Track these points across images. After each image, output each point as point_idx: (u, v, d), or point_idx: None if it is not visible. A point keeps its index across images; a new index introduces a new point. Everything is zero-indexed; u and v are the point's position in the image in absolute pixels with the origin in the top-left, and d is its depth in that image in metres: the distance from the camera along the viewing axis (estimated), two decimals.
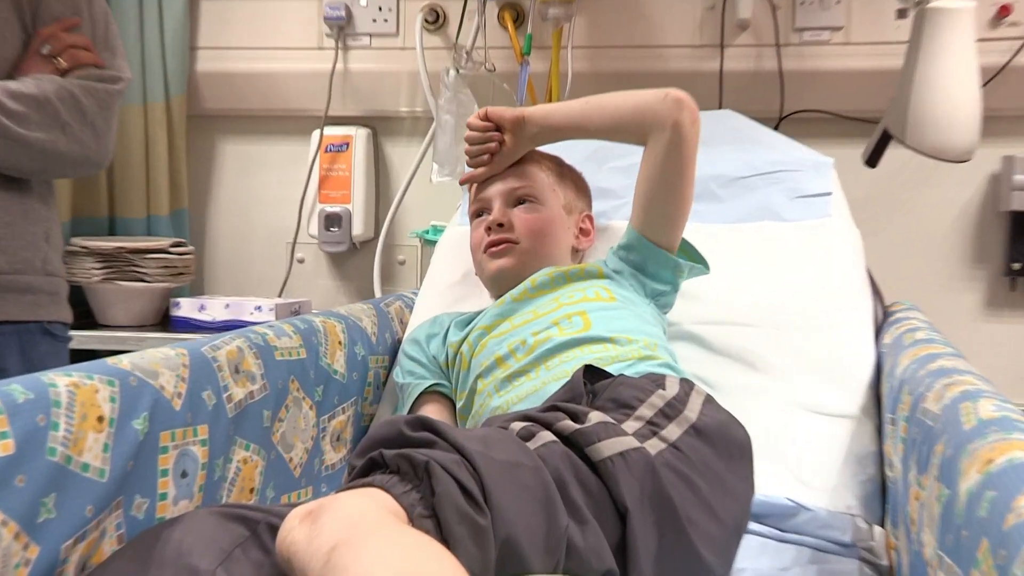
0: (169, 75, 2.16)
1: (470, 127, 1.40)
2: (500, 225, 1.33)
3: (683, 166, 1.26)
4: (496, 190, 1.37)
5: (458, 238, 1.61)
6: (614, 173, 1.60)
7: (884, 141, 1.72)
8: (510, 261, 1.33)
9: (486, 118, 1.38)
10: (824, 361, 1.32)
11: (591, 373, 1.05)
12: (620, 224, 1.49)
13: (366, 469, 0.80)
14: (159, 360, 0.96)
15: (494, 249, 1.33)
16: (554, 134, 1.37)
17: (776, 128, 1.88)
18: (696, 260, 1.33)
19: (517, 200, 1.36)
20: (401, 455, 0.78)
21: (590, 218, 1.43)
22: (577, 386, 1.01)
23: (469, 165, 1.41)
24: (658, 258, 1.30)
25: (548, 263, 1.34)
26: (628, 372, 1.09)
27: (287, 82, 2.20)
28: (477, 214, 1.40)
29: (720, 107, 1.94)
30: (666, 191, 1.27)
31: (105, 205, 2.17)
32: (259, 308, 1.90)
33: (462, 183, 1.43)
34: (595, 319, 1.21)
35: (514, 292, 1.30)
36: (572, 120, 1.34)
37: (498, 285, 1.36)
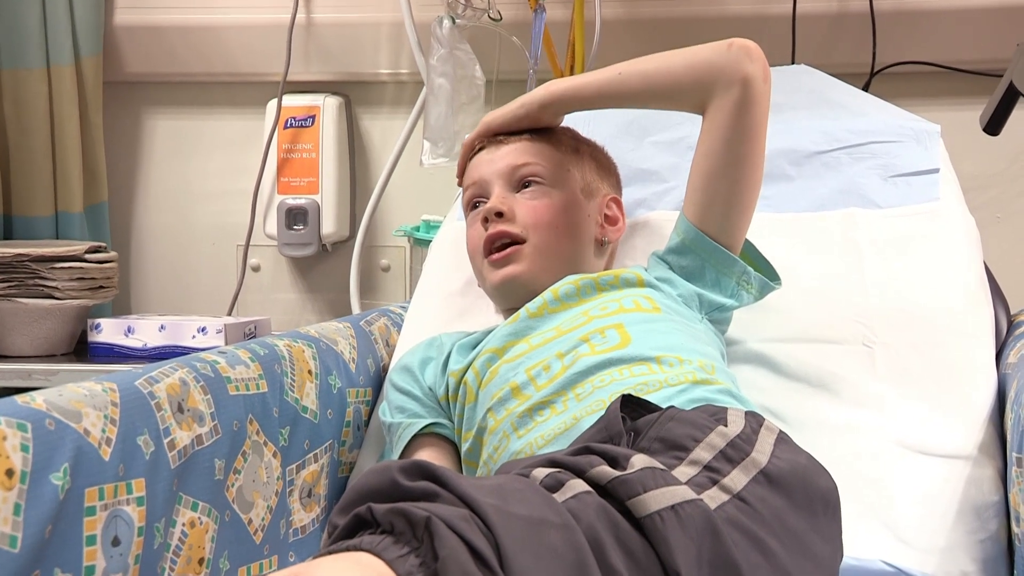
0: (78, 30, 2.18)
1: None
2: (499, 215, 1.36)
3: (754, 133, 1.29)
4: (493, 170, 1.40)
5: (457, 236, 1.63)
6: (657, 150, 1.62)
7: (1010, 100, 1.72)
8: (519, 268, 1.35)
9: (483, 136, 1.42)
10: (931, 387, 1.34)
11: (631, 405, 1.07)
12: (665, 216, 1.51)
13: (351, 528, 0.82)
14: (82, 397, 0.98)
15: (497, 256, 1.36)
16: (583, 104, 1.41)
17: (866, 88, 1.90)
18: (763, 270, 1.36)
19: (521, 182, 1.39)
20: (396, 510, 0.79)
21: (617, 202, 1.46)
22: (614, 422, 1.03)
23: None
24: (720, 261, 1.32)
25: (568, 263, 1.36)
26: (679, 401, 1.11)
27: (233, 38, 2.23)
28: (472, 204, 1.43)
29: (793, 62, 1.96)
30: (732, 168, 1.30)
31: None
32: (203, 330, 1.92)
33: (460, 183, 1.47)
34: (635, 333, 1.23)
35: (530, 306, 1.32)
36: (607, 89, 1.37)
37: (507, 298, 1.39)
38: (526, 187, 1.38)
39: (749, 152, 1.29)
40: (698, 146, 1.33)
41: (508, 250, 1.35)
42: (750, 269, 1.33)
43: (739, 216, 1.33)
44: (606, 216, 1.43)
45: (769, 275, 1.36)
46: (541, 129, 1.43)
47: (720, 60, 1.29)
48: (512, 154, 1.40)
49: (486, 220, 1.37)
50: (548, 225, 1.36)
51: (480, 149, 1.43)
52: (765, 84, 1.28)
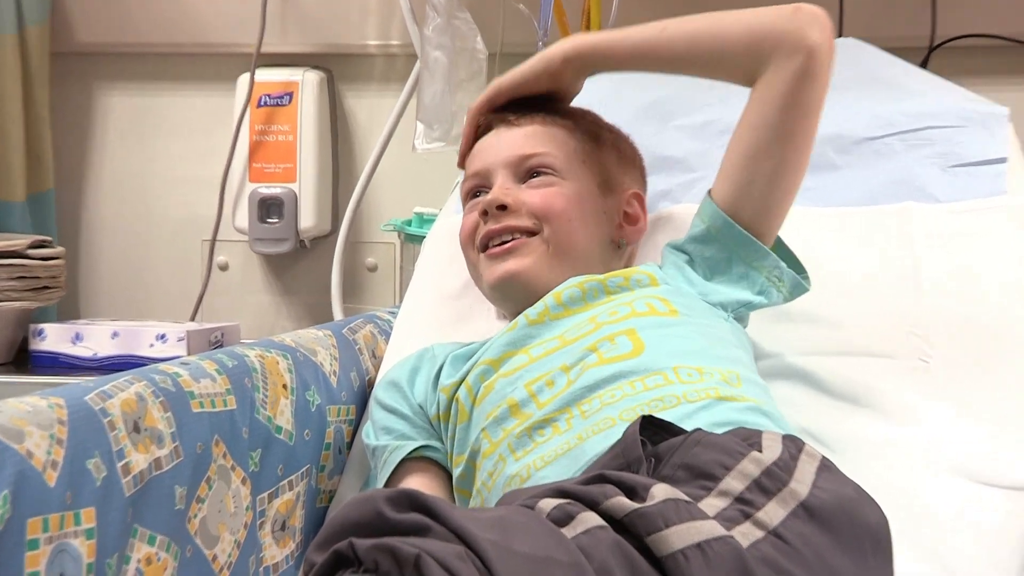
0: None
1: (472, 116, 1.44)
2: (502, 208, 1.36)
3: (813, 108, 1.31)
4: (498, 157, 1.40)
5: (455, 231, 1.63)
6: (683, 135, 1.63)
7: None
8: (521, 264, 1.35)
9: (493, 102, 1.42)
10: (996, 410, 1.34)
11: (652, 427, 1.07)
12: (691, 210, 1.51)
13: (331, 566, 0.82)
14: (24, 415, 0.98)
15: (496, 249, 1.36)
16: (613, 63, 1.41)
17: (924, 64, 1.90)
18: (792, 266, 1.36)
19: (529, 172, 1.39)
20: (381, 546, 0.79)
21: (639, 199, 1.46)
22: (632, 446, 1.03)
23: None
24: (751, 253, 1.33)
25: (577, 264, 1.37)
26: (700, 421, 1.11)
27: (200, 3, 2.23)
28: (472, 194, 1.44)
29: (840, 35, 1.97)
30: (782, 144, 1.30)
31: None
32: (163, 338, 1.93)
33: (461, 164, 1.47)
34: (649, 339, 1.24)
35: (530, 312, 1.33)
36: (645, 48, 1.37)
37: (505, 299, 1.40)
38: (534, 176, 1.39)
39: (803, 129, 1.31)
40: (743, 118, 1.33)
41: (512, 242, 1.36)
42: (782, 264, 1.34)
43: (779, 202, 1.33)
44: (626, 214, 1.44)
45: (803, 276, 1.36)
46: (557, 109, 1.43)
47: (785, 25, 1.30)
48: (520, 140, 1.40)
49: (485, 214, 1.37)
50: (560, 216, 1.36)
51: (486, 130, 1.43)
52: (830, 58, 1.30)
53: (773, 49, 1.30)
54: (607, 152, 1.44)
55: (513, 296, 1.38)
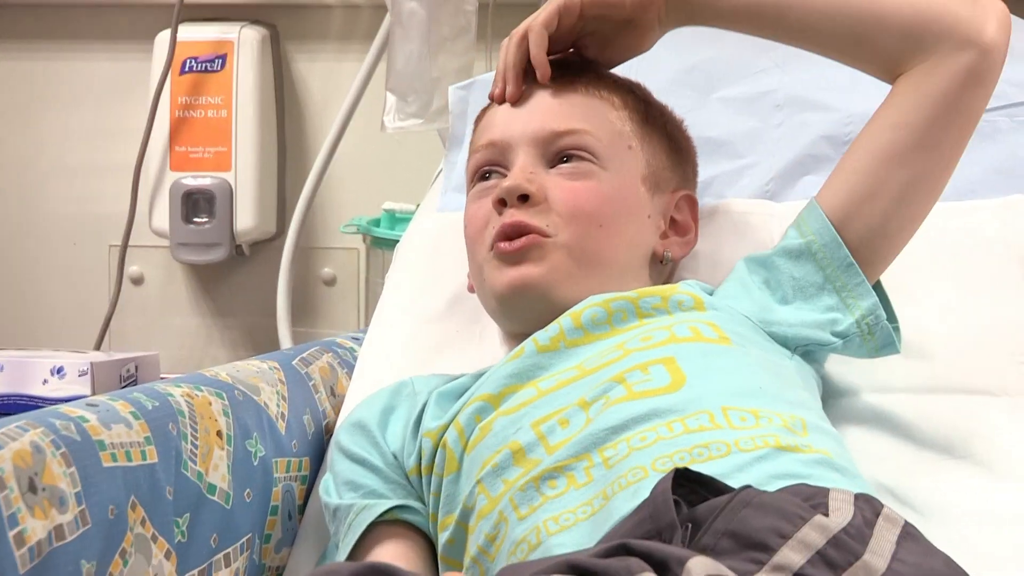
0: None
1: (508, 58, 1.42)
2: (524, 198, 1.37)
3: (974, 115, 1.34)
4: (524, 128, 1.41)
5: (437, 233, 1.66)
6: (730, 109, 1.65)
7: None
8: (537, 271, 1.36)
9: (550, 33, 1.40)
10: None
11: (689, 482, 1.08)
12: (741, 207, 1.54)
13: None
14: None
15: (507, 246, 1.37)
16: (716, 14, 1.41)
17: None
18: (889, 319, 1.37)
19: (558, 155, 1.40)
20: None
21: (691, 203, 1.48)
22: (663, 508, 1.03)
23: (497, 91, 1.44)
24: (851, 284, 1.34)
25: (608, 278, 1.38)
26: (756, 475, 1.11)
27: None
28: (481, 173, 1.44)
29: None
30: (928, 152, 1.33)
31: None
32: (60, 371, 1.93)
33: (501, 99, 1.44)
34: (692, 370, 1.24)
35: (540, 337, 1.33)
36: (771, 4, 1.38)
37: (513, 314, 1.41)
38: (564, 162, 1.40)
39: (955, 139, 1.34)
40: (880, 115, 1.35)
41: (524, 239, 1.36)
42: (882, 312, 1.34)
43: (902, 227, 1.36)
44: (673, 221, 1.45)
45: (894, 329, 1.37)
46: (603, 75, 1.44)
47: (960, 11, 1.32)
48: (553, 111, 1.41)
49: (502, 202, 1.38)
50: (591, 217, 1.37)
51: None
52: (1002, 62, 1.34)
53: (940, 37, 1.32)
54: (657, 138, 1.46)
55: (522, 310, 1.39)
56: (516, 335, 1.41)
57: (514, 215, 1.36)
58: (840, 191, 1.36)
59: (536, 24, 1.41)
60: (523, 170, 1.38)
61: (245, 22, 2.24)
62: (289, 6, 2.27)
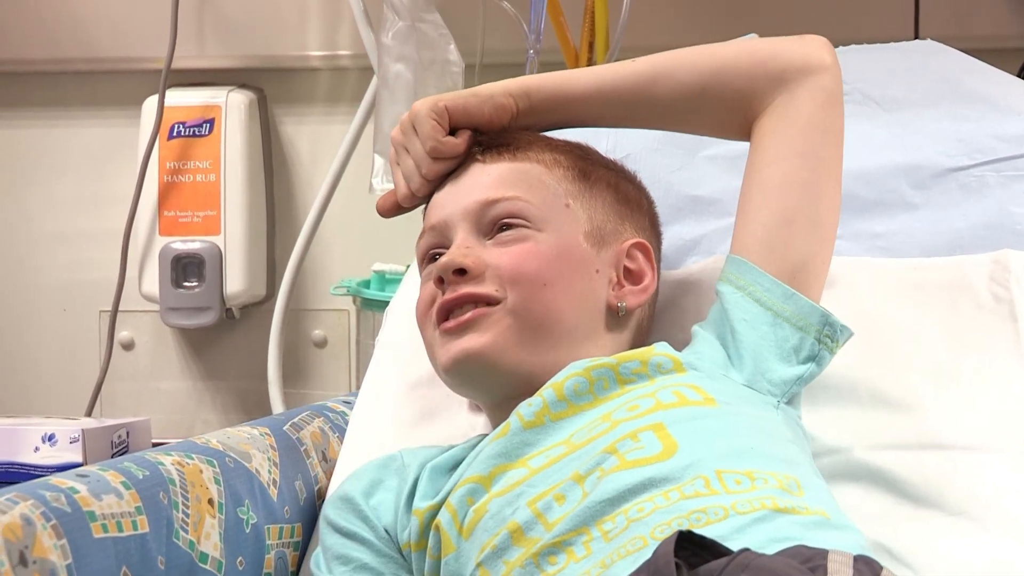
0: None
1: (398, 137, 1.46)
2: (460, 272, 1.36)
3: (839, 133, 1.39)
4: (457, 206, 1.41)
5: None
6: (716, 168, 1.65)
7: None
8: (480, 341, 1.35)
9: (443, 120, 1.43)
10: None
11: (689, 545, 1.07)
12: (722, 264, 1.54)
13: None
14: None
15: (449, 323, 1.36)
16: (564, 111, 1.45)
17: (1021, 73, 1.92)
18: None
19: (493, 225, 1.40)
20: None
21: (645, 249, 1.45)
22: (665, 569, 1.03)
23: (401, 182, 1.46)
24: (799, 311, 1.34)
25: (558, 339, 1.37)
26: (754, 538, 1.11)
27: (95, 8, 2.24)
28: (429, 256, 1.44)
29: (915, 36, 1.99)
30: (816, 173, 1.37)
31: None
32: (51, 439, 1.92)
33: (384, 212, 1.48)
34: (682, 436, 1.23)
35: (524, 412, 1.31)
36: (607, 86, 1.43)
37: (463, 386, 1.41)
38: (503, 231, 1.40)
39: (832, 155, 1.38)
40: (755, 157, 1.39)
41: (469, 314, 1.35)
42: (835, 318, 1.35)
43: (819, 247, 1.37)
44: (626, 270, 1.44)
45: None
46: (534, 141, 1.45)
47: (795, 46, 1.40)
48: (483, 183, 1.41)
49: (441, 280, 1.37)
50: (534, 277, 1.36)
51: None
52: (841, 85, 1.40)
53: (784, 71, 1.38)
54: (599, 193, 1.45)
55: (473, 384, 1.39)
56: (487, 405, 1.42)
57: (457, 289, 1.36)
58: (755, 231, 1.37)
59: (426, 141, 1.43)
60: (459, 246, 1.38)
61: (232, 86, 2.24)
62: (276, 70, 2.27)
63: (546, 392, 1.32)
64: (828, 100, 1.37)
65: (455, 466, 1.35)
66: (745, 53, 1.41)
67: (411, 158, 1.44)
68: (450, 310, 1.36)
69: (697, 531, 1.06)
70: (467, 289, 1.35)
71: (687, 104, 1.42)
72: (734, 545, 1.05)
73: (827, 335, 1.35)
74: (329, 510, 1.40)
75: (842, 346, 1.37)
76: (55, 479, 1.20)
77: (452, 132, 1.43)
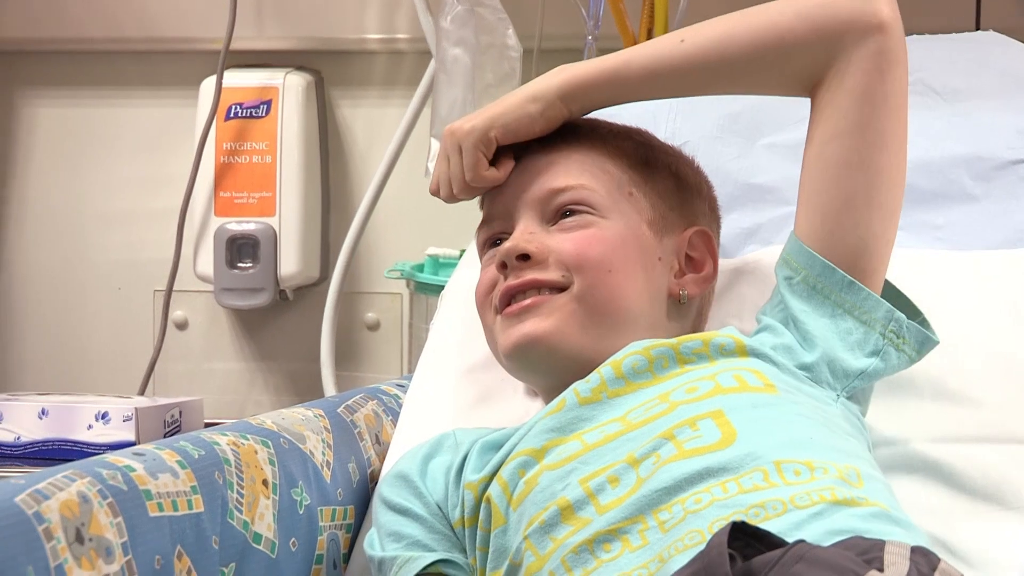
0: None
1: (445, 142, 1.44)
2: (523, 258, 1.37)
3: (899, 101, 1.34)
4: (520, 195, 1.42)
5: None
6: (776, 156, 1.64)
7: None
8: (543, 325, 1.35)
9: (489, 151, 1.42)
10: None
11: (743, 536, 1.07)
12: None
13: None
14: None
15: (512, 307, 1.37)
16: (624, 91, 1.43)
17: None
18: (912, 316, 1.36)
19: (559, 211, 1.40)
20: None
21: (706, 238, 1.46)
22: (718, 562, 1.03)
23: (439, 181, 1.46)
24: (858, 303, 1.33)
25: (622, 325, 1.37)
26: (812, 532, 1.10)
27: None
28: (490, 243, 1.45)
29: (977, 27, 1.98)
30: (871, 153, 1.33)
31: None
32: (104, 417, 1.93)
33: (435, 195, 1.47)
34: (742, 424, 1.23)
35: (580, 388, 1.32)
36: (662, 66, 1.40)
37: (525, 371, 1.42)
38: (565, 217, 1.40)
39: (894, 128, 1.34)
40: (815, 133, 1.36)
41: (530, 300, 1.36)
42: (900, 315, 1.33)
43: (881, 230, 1.35)
44: (688, 258, 1.44)
45: (927, 327, 1.36)
46: (595, 128, 1.45)
47: (843, 4, 1.33)
48: (548, 171, 1.41)
49: (504, 266, 1.38)
50: (599, 263, 1.37)
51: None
52: (903, 38, 1.34)
53: (840, 33, 1.33)
54: (661, 180, 1.45)
55: (534, 368, 1.39)
56: (545, 389, 1.41)
57: (521, 275, 1.36)
58: (814, 215, 1.36)
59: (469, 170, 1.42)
60: (522, 232, 1.39)
61: (290, 68, 2.25)
62: (333, 52, 2.27)
63: (604, 369, 1.32)
64: (887, 63, 1.32)
65: (503, 444, 1.35)
66: (796, 20, 1.35)
67: (451, 169, 1.44)
68: (512, 295, 1.37)
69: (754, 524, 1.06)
70: (532, 275, 1.36)
71: (745, 79, 1.41)
72: (792, 539, 1.04)
73: (892, 331, 1.33)
74: (384, 488, 1.40)
75: (925, 354, 1.35)
76: (111, 457, 1.21)
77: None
